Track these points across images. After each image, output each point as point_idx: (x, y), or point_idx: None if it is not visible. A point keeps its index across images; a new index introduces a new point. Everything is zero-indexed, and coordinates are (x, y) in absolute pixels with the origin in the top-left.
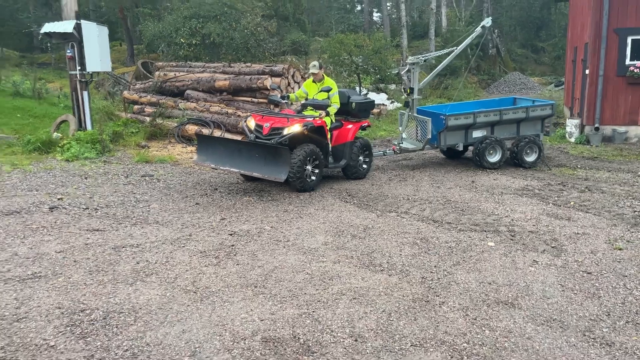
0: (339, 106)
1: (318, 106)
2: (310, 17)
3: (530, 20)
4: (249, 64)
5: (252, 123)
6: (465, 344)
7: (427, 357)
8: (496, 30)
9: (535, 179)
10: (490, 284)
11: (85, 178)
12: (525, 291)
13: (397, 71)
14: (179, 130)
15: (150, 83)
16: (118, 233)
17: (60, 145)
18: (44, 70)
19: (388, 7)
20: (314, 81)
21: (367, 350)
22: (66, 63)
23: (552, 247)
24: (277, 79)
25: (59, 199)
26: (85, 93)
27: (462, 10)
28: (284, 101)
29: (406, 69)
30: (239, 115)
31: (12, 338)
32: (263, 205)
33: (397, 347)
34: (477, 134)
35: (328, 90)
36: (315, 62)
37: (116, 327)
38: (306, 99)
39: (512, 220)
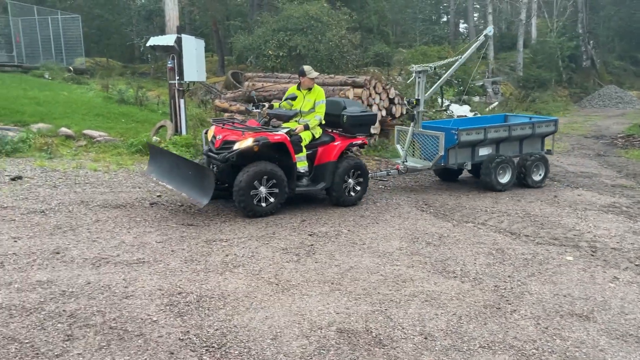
0: (321, 118)
1: (281, 117)
2: (394, 28)
3: (631, 30)
4: (332, 75)
5: (210, 134)
6: (534, 350)
7: (494, 358)
8: (591, 42)
9: (624, 196)
10: (565, 296)
11: None
12: (602, 306)
13: (481, 83)
14: None
15: (240, 92)
16: (209, 228)
17: None
18: (144, 80)
19: (475, 18)
20: (299, 88)
21: (436, 348)
22: (163, 73)
23: (637, 265)
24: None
25: (157, 196)
26: (182, 101)
27: (554, 21)
28: (256, 110)
29: (491, 80)
30: None
31: (122, 312)
32: (341, 210)
33: (465, 348)
34: (483, 151)
35: (317, 101)
36: (310, 67)
37: (208, 309)
38: (291, 109)
39: (594, 236)
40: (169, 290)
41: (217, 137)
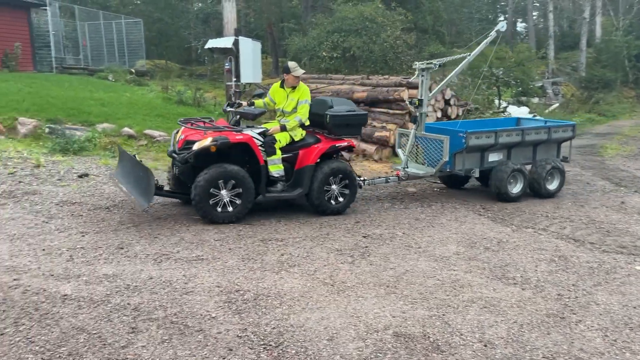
0: (303, 119)
1: (246, 116)
2: (450, 28)
3: None
4: (386, 76)
5: (178, 134)
6: None
7: None
8: None
9: None
10: (635, 308)
11: None
12: None
13: (540, 84)
14: None
15: None
16: (265, 227)
17: None
18: (201, 81)
19: (534, 17)
20: (282, 86)
21: (497, 357)
22: (219, 74)
23: None
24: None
25: None
26: (244, 103)
27: (620, 19)
28: (229, 109)
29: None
30: (374, 126)
31: (182, 307)
32: (395, 212)
33: (527, 357)
34: (493, 157)
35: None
36: (295, 63)
37: (265, 307)
38: (276, 109)
39: None
40: (227, 287)
41: (181, 137)
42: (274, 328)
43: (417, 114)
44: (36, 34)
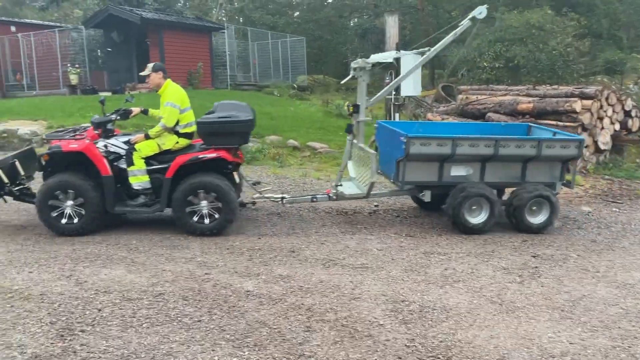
0: (168, 125)
1: (94, 124)
2: (628, 32)
3: None
4: (555, 86)
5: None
6: None
7: None
8: None
9: None
10: None
11: None
12: None
13: None
14: None
15: (453, 106)
16: (427, 240)
17: None
18: (356, 95)
19: None
20: (156, 90)
21: None
22: (375, 88)
23: None
24: None
25: (375, 206)
26: (397, 115)
27: None
28: (114, 118)
29: None
30: None
31: (351, 312)
32: (568, 232)
33: None
34: (457, 171)
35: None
36: (150, 65)
37: (431, 320)
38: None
39: None
40: (392, 296)
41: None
42: (441, 341)
43: (354, 122)
44: (215, 55)
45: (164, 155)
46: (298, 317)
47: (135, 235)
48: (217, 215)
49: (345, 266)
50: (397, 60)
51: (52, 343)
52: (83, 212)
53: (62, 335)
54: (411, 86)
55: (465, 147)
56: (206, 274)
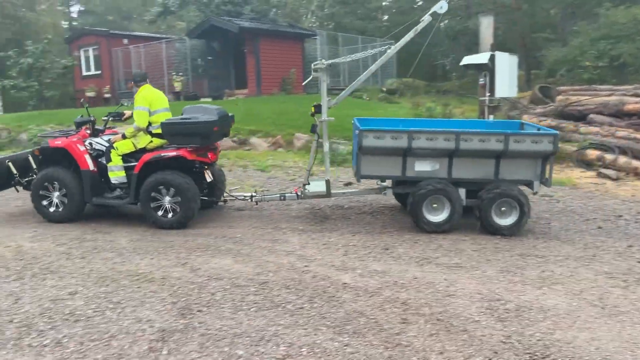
0: (138, 125)
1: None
2: None
3: None
4: None
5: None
6: None
7: None
8: None
9: None
10: None
11: None
12: None
13: None
14: (579, 154)
15: (551, 107)
16: (523, 243)
17: None
18: (447, 97)
19: None
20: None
21: None
22: (466, 90)
23: None
24: None
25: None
26: (490, 117)
27: None
28: (106, 118)
29: None
30: None
31: (446, 307)
32: None
33: None
34: (422, 166)
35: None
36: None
37: (527, 319)
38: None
39: None
40: (488, 295)
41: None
42: (539, 340)
43: (317, 122)
44: (306, 61)
45: (141, 154)
46: (394, 309)
47: (240, 229)
48: (178, 210)
49: (439, 265)
50: (492, 60)
51: (175, 320)
52: (66, 201)
53: (182, 314)
54: (506, 87)
55: (422, 140)
56: (305, 266)
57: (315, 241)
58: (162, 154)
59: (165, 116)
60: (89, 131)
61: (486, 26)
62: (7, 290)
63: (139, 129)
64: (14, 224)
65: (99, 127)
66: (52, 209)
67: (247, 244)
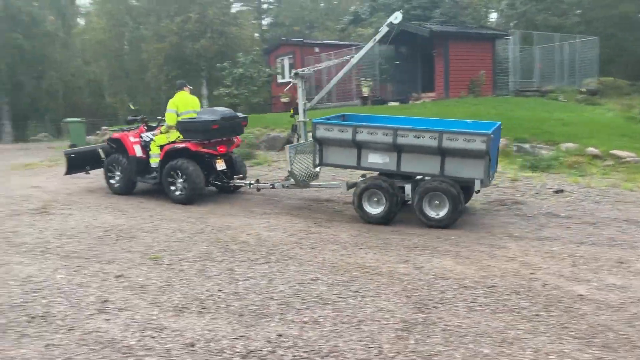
0: (168, 123)
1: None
2: None
3: None
4: None
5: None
6: None
7: None
8: None
9: None
10: None
11: None
12: None
13: None
14: None
15: None
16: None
17: None
18: None
19: None
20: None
21: None
22: None
23: None
24: None
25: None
26: None
27: None
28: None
29: None
30: None
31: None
32: None
33: None
34: (374, 158)
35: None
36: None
37: None
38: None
39: None
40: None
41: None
42: None
43: (296, 123)
44: (497, 61)
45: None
46: None
47: (455, 231)
48: (179, 192)
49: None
50: None
51: (413, 313)
52: (118, 180)
53: (419, 308)
54: None
55: (363, 134)
56: (531, 273)
57: (536, 249)
58: (175, 146)
59: (191, 117)
60: (145, 127)
61: None
62: (260, 271)
63: (169, 127)
64: (247, 214)
65: (152, 124)
66: (114, 183)
67: (465, 246)
